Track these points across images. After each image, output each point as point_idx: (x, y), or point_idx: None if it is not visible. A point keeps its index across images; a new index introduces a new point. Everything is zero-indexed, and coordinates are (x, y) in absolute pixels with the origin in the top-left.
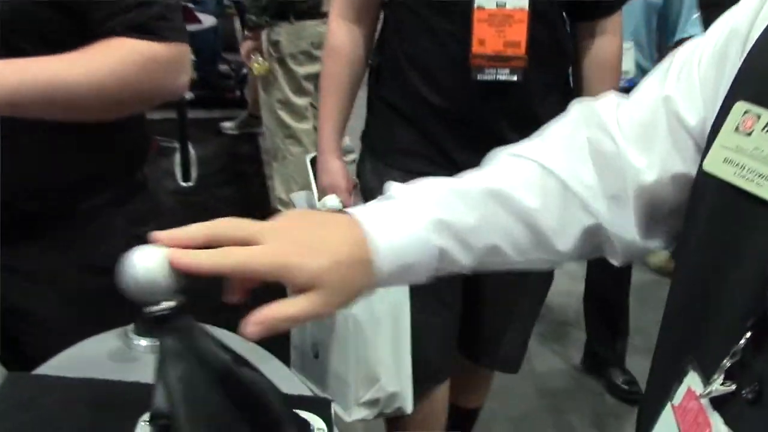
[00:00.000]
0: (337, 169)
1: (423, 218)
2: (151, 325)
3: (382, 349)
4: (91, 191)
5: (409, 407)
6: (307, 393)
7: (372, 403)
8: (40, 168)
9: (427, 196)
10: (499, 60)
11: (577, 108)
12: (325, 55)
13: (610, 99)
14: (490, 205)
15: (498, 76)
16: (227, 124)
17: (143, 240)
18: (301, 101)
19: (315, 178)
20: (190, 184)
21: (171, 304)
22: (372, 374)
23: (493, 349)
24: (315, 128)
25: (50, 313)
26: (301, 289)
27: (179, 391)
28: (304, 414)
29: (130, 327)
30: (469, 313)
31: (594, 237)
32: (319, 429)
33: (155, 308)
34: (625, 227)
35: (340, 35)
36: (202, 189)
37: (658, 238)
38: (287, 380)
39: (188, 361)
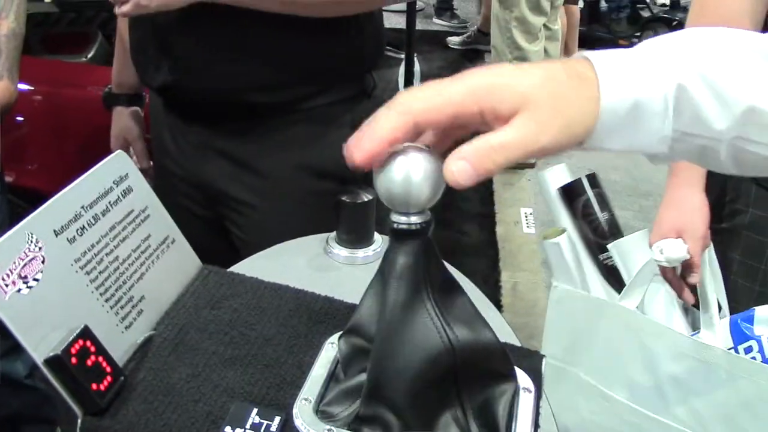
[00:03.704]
0: (699, 206)
1: (666, 58)
2: (392, 238)
3: None
4: (320, 89)
5: None
6: (516, 343)
7: None
8: (271, 62)
9: (687, 46)
10: None
11: None
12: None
13: None
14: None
15: None
16: (454, 39)
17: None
18: (536, 20)
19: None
20: None
21: (421, 219)
22: None
23: None
24: (545, 50)
25: (262, 207)
26: (505, 120)
27: (395, 316)
28: None
29: (332, 235)
30: None
31: None
32: (525, 388)
33: (403, 219)
34: None
35: None
36: None
37: None
38: (497, 325)
39: (414, 286)
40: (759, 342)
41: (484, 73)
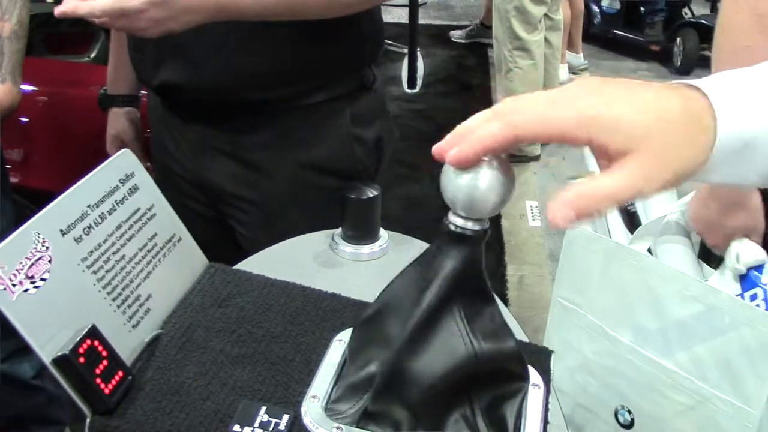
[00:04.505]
0: (760, 204)
1: None
2: (444, 238)
3: None
4: (319, 85)
5: None
6: (524, 338)
7: None
8: (272, 59)
9: None
10: None
11: None
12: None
13: None
14: None
15: None
16: (457, 33)
17: (364, 140)
18: (536, 10)
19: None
20: (415, 91)
21: (480, 226)
22: None
23: None
24: (546, 39)
25: (264, 204)
26: (613, 157)
27: (427, 317)
28: None
29: (338, 231)
30: None
31: None
32: (534, 384)
33: (461, 222)
34: None
35: None
36: (426, 97)
37: None
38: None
39: (453, 292)
40: (765, 290)
41: (595, 97)
